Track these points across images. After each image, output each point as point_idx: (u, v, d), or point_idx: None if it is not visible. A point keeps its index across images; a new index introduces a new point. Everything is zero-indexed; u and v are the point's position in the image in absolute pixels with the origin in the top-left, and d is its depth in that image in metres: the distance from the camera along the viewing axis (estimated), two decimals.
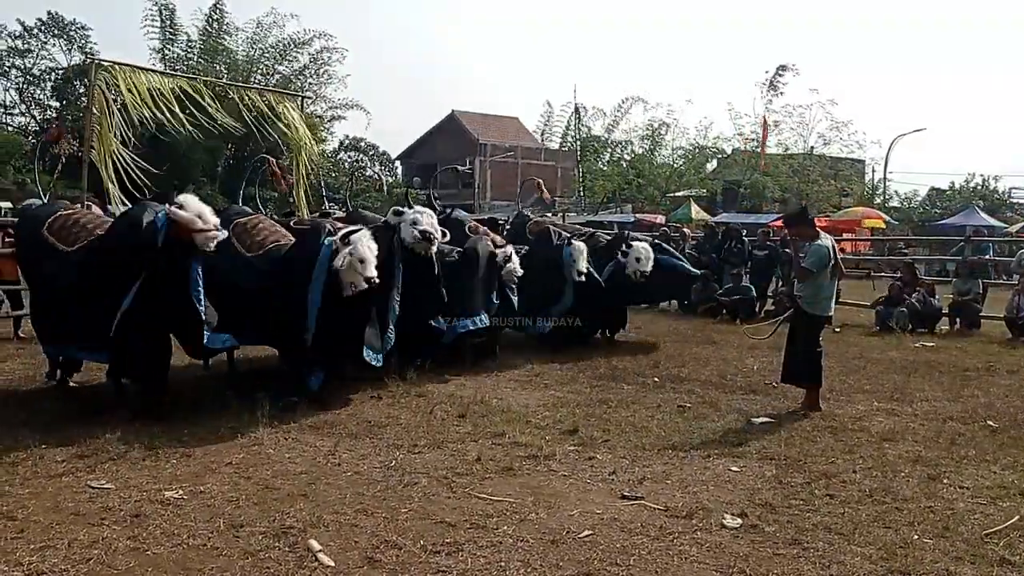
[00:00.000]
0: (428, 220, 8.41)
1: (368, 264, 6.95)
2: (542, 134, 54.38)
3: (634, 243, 11.19)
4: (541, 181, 15.17)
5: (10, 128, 38.66)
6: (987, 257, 17.12)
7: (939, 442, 6.65)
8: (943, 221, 31.56)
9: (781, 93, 36.99)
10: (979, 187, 43.59)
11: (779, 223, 27.00)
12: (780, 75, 36.64)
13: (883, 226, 30.72)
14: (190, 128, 11.44)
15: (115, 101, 10.10)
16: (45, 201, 8.39)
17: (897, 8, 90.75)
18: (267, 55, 36.94)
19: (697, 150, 41.05)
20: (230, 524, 4.52)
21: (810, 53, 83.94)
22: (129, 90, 10.26)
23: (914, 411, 7.80)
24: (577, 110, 46.13)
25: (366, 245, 7.00)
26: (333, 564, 4.08)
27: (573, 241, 10.64)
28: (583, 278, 10.36)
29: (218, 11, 36.03)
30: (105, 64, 10.56)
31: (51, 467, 5.39)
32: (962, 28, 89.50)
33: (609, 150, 45.16)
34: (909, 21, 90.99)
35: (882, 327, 13.54)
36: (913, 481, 5.63)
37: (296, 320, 7.04)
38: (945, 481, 5.64)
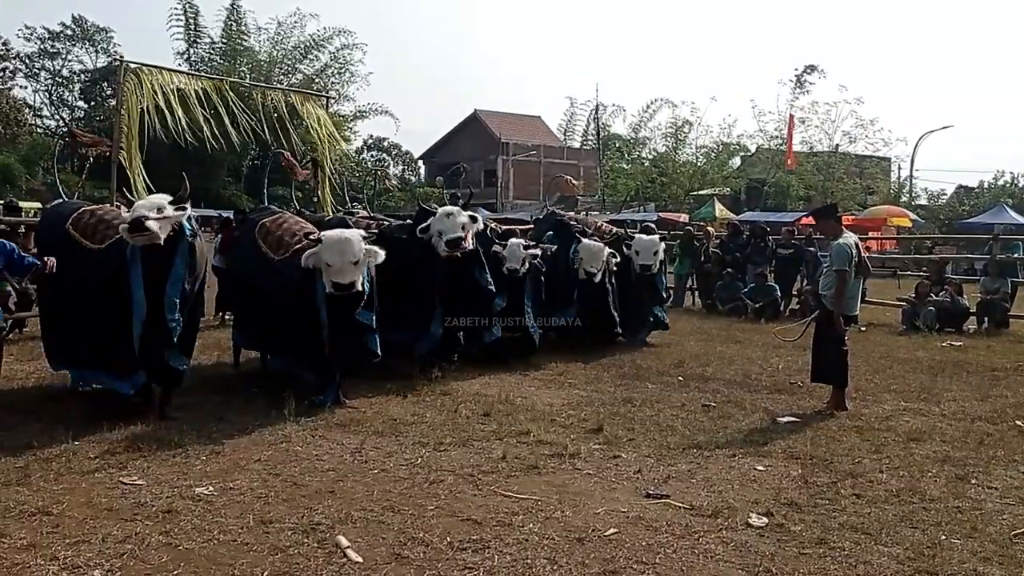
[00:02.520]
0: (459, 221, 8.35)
1: (335, 270, 6.75)
2: (564, 132, 54.37)
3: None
4: (570, 177, 15.19)
5: (39, 130, 39.16)
6: (1016, 256, 16.91)
7: (967, 442, 6.60)
8: (971, 219, 31.16)
9: (807, 91, 36.82)
10: (1008, 185, 43.04)
11: (805, 220, 26.91)
12: (807, 74, 36.45)
13: (909, 224, 30.43)
14: (215, 128, 11.55)
15: (142, 102, 10.23)
16: (66, 199, 8.39)
17: (922, 6, 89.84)
18: (289, 56, 37.17)
19: (720, 147, 40.84)
20: (260, 520, 4.58)
21: (836, 50, 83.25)
22: (155, 91, 10.40)
23: (942, 411, 7.74)
24: (597, 108, 46.15)
25: (333, 250, 6.76)
26: (361, 560, 4.13)
27: (582, 240, 10.60)
28: (596, 278, 10.34)
29: (235, 12, 36.32)
30: (133, 66, 10.70)
31: (84, 464, 5.48)
32: (989, 24, 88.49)
33: (629, 148, 44.98)
34: (934, 19, 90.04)
35: (909, 326, 13.43)
36: (941, 481, 5.60)
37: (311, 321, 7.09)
38: (973, 481, 5.60)
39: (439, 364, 8.70)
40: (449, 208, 8.45)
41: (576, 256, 10.37)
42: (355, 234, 6.98)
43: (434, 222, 8.26)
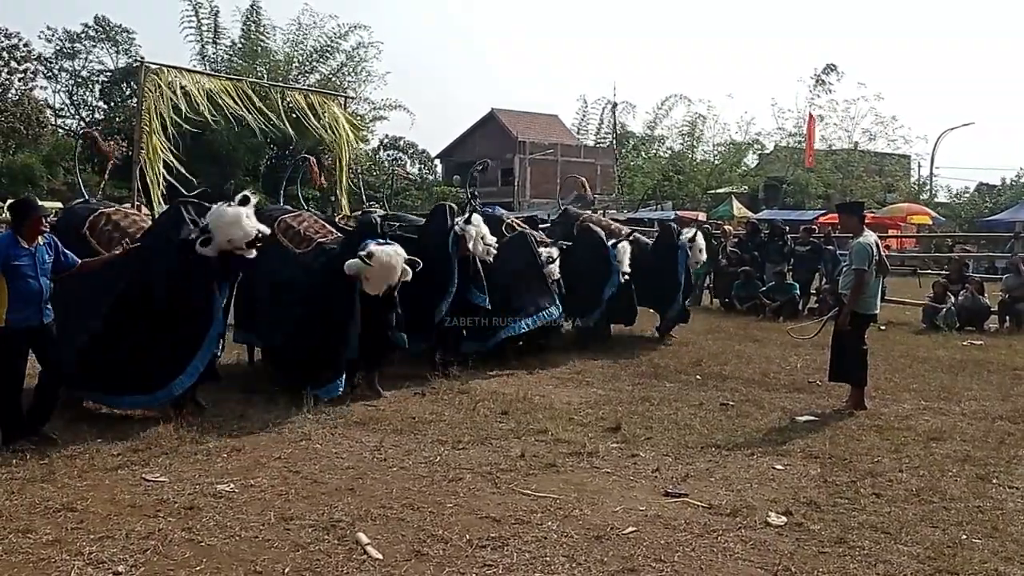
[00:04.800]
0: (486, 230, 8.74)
1: (373, 286, 7.15)
2: (578, 131, 54.30)
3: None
4: (584, 179, 15.18)
5: (60, 131, 39.45)
6: None
7: (988, 442, 6.56)
8: (992, 217, 30.87)
9: (828, 90, 36.57)
10: None
11: (824, 219, 26.75)
12: (827, 75, 36.22)
13: (929, 222, 30.19)
14: (234, 128, 11.67)
15: (160, 102, 10.31)
16: (88, 200, 8.39)
17: (942, 5, 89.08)
18: (308, 58, 37.25)
19: (733, 147, 40.60)
20: (280, 517, 4.63)
21: (855, 48, 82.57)
22: (175, 92, 10.47)
23: (962, 410, 7.69)
24: (615, 107, 46.04)
25: (381, 277, 7.14)
26: (381, 557, 4.16)
27: (620, 243, 10.66)
28: (626, 277, 10.45)
29: (255, 12, 36.42)
30: (153, 67, 10.77)
31: (107, 460, 5.55)
32: (1009, 22, 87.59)
33: (645, 146, 44.79)
34: (954, 17, 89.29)
35: (929, 325, 13.34)
36: (961, 481, 5.57)
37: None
38: (994, 481, 5.57)
39: (455, 363, 8.72)
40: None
41: (615, 258, 10.50)
42: (400, 259, 7.22)
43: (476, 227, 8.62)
